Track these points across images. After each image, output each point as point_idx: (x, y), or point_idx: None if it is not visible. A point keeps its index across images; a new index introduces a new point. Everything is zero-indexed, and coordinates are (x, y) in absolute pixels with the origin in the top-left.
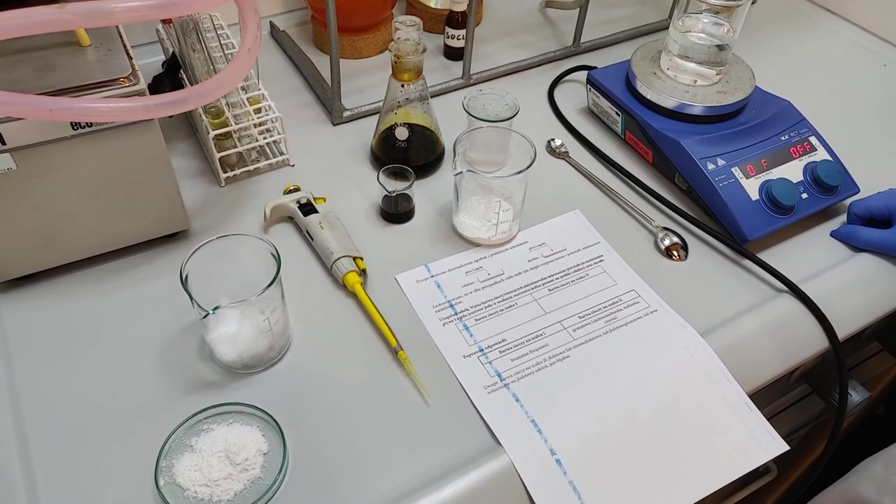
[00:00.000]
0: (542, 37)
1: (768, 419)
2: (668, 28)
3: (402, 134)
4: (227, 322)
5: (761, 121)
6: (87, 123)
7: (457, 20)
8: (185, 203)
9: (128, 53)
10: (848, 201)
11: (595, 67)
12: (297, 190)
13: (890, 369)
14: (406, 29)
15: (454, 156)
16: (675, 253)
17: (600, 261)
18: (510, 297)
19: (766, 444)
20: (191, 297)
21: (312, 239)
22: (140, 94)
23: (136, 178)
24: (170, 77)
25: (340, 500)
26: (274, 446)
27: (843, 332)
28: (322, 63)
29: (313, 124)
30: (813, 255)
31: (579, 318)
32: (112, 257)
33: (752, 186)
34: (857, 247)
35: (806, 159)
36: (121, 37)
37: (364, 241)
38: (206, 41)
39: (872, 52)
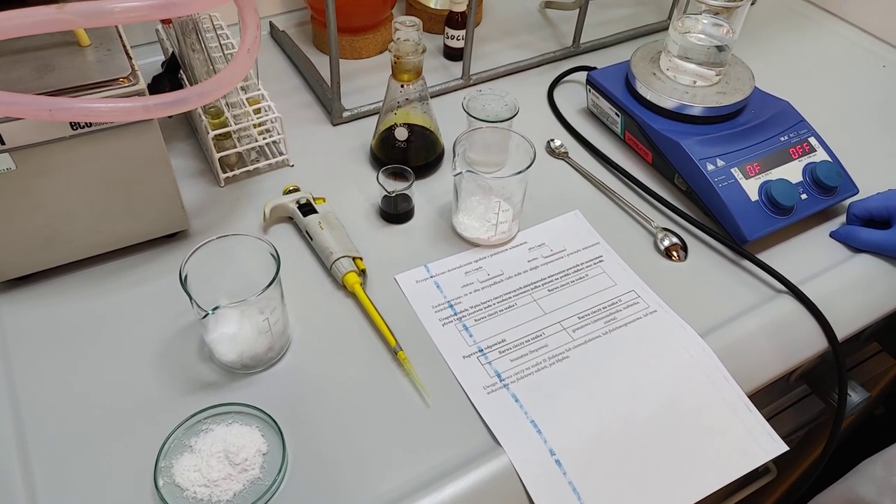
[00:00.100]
0: (541, 37)
1: (768, 419)
2: (667, 29)
3: (401, 134)
4: (226, 322)
5: (761, 121)
6: (86, 123)
7: (456, 20)
8: (184, 203)
9: (127, 53)
10: (847, 202)
11: (595, 68)
12: (296, 190)
13: (889, 370)
14: (406, 29)
15: (454, 156)
16: (674, 253)
17: (600, 261)
18: (510, 298)
19: (766, 444)
20: (190, 298)
21: (312, 239)
22: (139, 94)
23: (135, 178)
24: (169, 77)
25: (340, 500)
26: (273, 446)
27: (842, 333)
28: (322, 63)
29: (313, 124)
30: (812, 256)
31: (579, 318)
32: (112, 257)
33: (751, 187)
34: (856, 247)
35: (805, 160)
36: (120, 37)
37: (363, 242)
38: (206, 41)
39: (872, 52)
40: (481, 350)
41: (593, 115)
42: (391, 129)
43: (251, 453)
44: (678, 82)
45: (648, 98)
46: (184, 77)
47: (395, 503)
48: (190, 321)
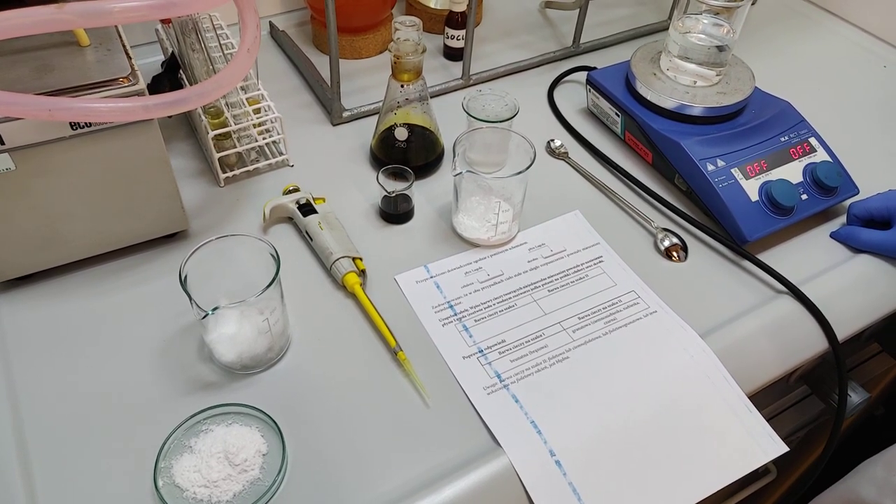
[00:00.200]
0: (541, 37)
1: (768, 420)
2: (667, 29)
3: (401, 134)
4: (226, 323)
5: (761, 122)
6: (86, 123)
7: (456, 20)
8: (184, 203)
9: (127, 53)
10: (847, 202)
11: (595, 68)
12: (296, 190)
13: (889, 370)
14: (406, 29)
15: (454, 156)
16: (674, 254)
17: (600, 262)
18: (510, 298)
19: (766, 445)
20: (190, 298)
21: (312, 239)
22: (139, 94)
23: (135, 178)
24: (169, 77)
25: (339, 500)
26: (273, 447)
27: (842, 334)
28: (321, 63)
29: (313, 125)
30: (812, 257)
31: (579, 318)
32: (111, 257)
33: (751, 187)
34: (856, 248)
35: (806, 160)
36: (120, 37)
37: (363, 242)
38: (206, 41)
39: (872, 53)
40: (481, 350)
41: (593, 115)
42: (391, 129)
43: (251, 454)
44: (678, 82)
45: (648, 98)
46: (183, 77)
47: (394, 503)
48: (190, 321)
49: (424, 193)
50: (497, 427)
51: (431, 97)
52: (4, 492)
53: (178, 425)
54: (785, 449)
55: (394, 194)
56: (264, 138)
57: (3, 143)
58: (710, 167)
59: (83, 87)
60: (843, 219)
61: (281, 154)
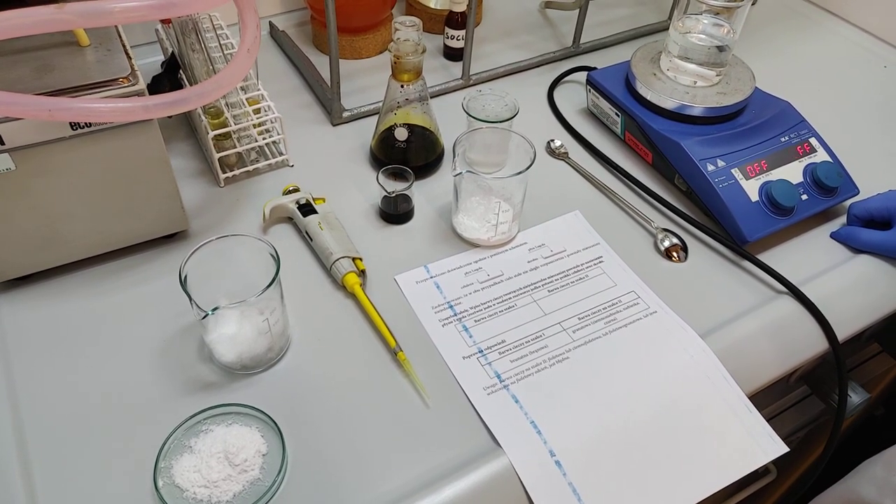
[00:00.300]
0: (541, 37)
1: (768, 420)
2: (667, 29)
3: (401, 134)
4: (226, 323)
5: (761, 122)
6: (86, 124)
7: (456, 20)
8: (184, 203)
9: (127, 53)
10: (848, 203)
11: (595, 68)
12: (296, 190)
13: (889, 371)
14: (406, 29)
15: (454, 156)
16: (674, 254)
17: (600, 262)
18: (510, 299)
19: (766, 445)
20: (190, 298)
21: (312, 240)
22: (139, 94)
23: (135, 178)
24: (169, 77)
25: (339, 501)
26: (273, 447)
27: (842, 334)
28: (321, 63)
29: (313, 125)
30: (812, 257)
31: (579, 319)
32: (111, 257)
33: (751, 188)
34: (856, 248)
35: (806, 160)
36: (120, 37)
37: (363, 242)
38: (206, 41)
39: (873, 53)
40: (481, 351)
41: (593, 115)
42: (391, 129)
43: (251, 454)
44: (678, 82)
45: (648, 98)
46: (183, 77)
47: (394, 503)
48: (190, 321)
49: (424, 193)
50: (497, 427)
51: (431, 97)
52: (4, 492)
53: (178, 425)
54: (785, 449)
55: (394, 194)
56: (264, 138)
57: (3, 143)
58: (710, 167)
59: (83, 88)
60: (843, 219)
61: (281, 154)
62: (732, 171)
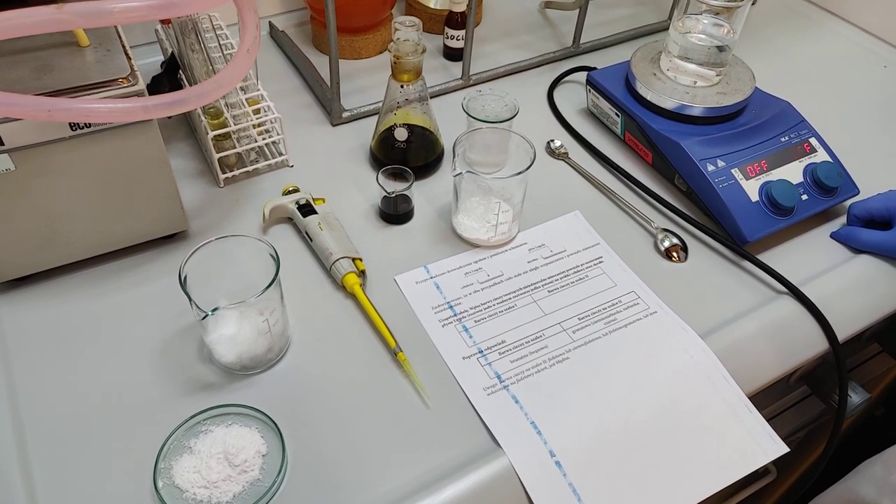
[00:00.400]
0: (541, 37)
1: (768, 421)
2: (667, 29)
3: (401, 135)
4: (226, 323)
5: (761, 122)
6: (85, 124)
7: (456, 21)
8: (184, 204)
9: (126, 54)
10: (848, 203)
11: (595, 68)
12: (296, 191)
13: (889, 371)
14: (405, 29)
15: (453, 157)
16: (674, 254)
17: (600, 262)
18: (509, 299)
19: (766, 445)
20: (190, 299)
21: (311, 240)
22: (139, 94)
23: (135, 178)
24: (169, 77)
25: (339, 501)
26: (273, 448)
27: (842, 334)
28: (321, 63)
29: (312, 125)
30: (813, 257)
31: (579, 319)
32: (111, 258)
33: (751, 188)
34: (856, 248)
35: (806, 160)
36: (119, 37)
37: (363, 243)
38: (205, 41)
39: (873, 53)
40: (481, 351)
41: (593, 115)
42: (391, 129)
43: (251, 454)
44: (678, 83)
45: (648, 98)
46: (183, 77)
47: None
48: (189, 322)
49: (424, 194)
50: (497, 427)
51: (431, 97)
52: (4, 492)
53: (177, 426)
54: (785, 449)
55: (393, 195)
56: (264, 139)
57: (2, 144)
58: (710, 167)
59: (83, 88)
60: (843, 219)
61: (280, 154)
62: (732, 171)
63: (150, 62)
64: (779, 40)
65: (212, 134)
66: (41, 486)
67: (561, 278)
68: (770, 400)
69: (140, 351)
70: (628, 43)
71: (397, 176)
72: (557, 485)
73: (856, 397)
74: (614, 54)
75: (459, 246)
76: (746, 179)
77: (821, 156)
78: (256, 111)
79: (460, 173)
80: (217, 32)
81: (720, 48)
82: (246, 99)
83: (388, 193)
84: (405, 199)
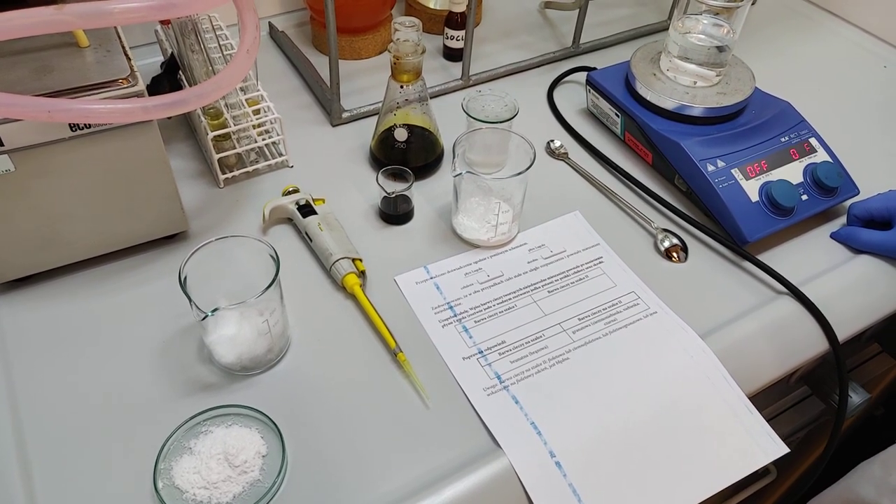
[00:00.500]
0: (541, 38)
1: (768, 421)
2: (667, 29)
3: (401, 135)
4: (225, 324)
5: (761, 122)
6: (85, 125)
7: (456, 21)
8: (183, 204)
9: (126, 54)
10: (848, 203)
11: (594, 68)
12: (296, 191)
13: (889, 371)
14: (405, 30)
15: (453, 157)
16: (674, 254)
17: (600, 262)
18: (509, 299)
19: (766, 446)
20: (189, 299)
21: (311, 240)
22: (138, 95)
23: (134, 179)
24: (168, 78)
25: (339, 502)
26: (273, 448)
27: (842, 334)
28: (321, 64)
29: (312, 125)
30: (813, 257)
31: (579, 319)
32: (111, 258)
33: (751, 188)
34: (856, 248)
35: (806, 161)
36: (119, 38)
37: (363, 243)
38: (205, 42)
39: (873, 53)
40: (481, 351)
41: (593, 115)
42: (391, 129)
43: (251, 455)
44: (678, 83)
45: (648, 98)
46: (183, 78)
47: None
48: (189, 322)
49: (424, 194)
50: (497, 428)
51: (431, 98)
52: (4, 492)
53: (177, 426)
54: (785, 450)
55: (393, 195)
56: (264, 139)
57: (2, 145)
58: (710, 168)
59: (82, 89)
60: (843, 219)
61: (280, 155)
62: (732, 171)
63: (149, 63)
64: (779, 40)
65: (212, 134)
66: (40, 487)
67: (561, 279)
68: (770, 400)
69: (140, 351)
70: (628, 43)
71: (397, 176)
72: (557, 485)
73: (856, 397)
74: (614, 54)
75: (459, 246)
76: (746, 179)
77: (821, 156)
78: (256, 112)
79: (460, 174)
80: (217, 33)
81: (720, 48)
82: (246, 99)
83: (388, 194)
84: (405, 200)
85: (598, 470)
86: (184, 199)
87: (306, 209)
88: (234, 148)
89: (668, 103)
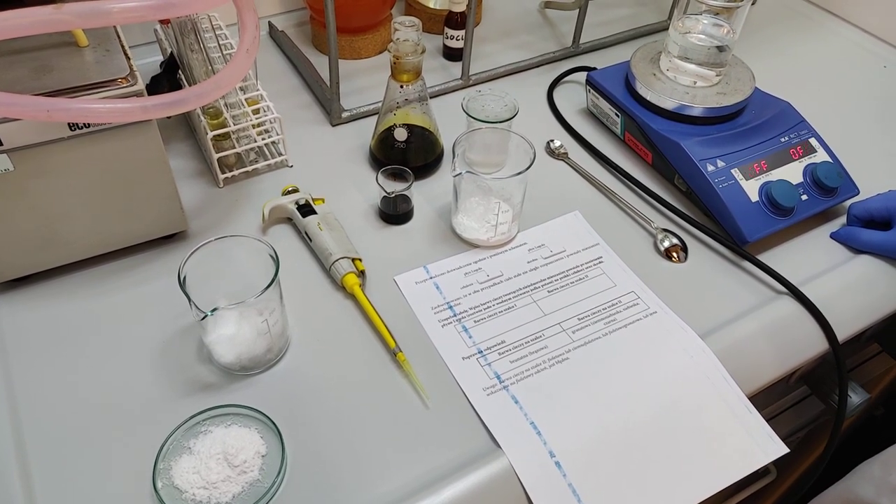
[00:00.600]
0: (541, 37)
1: (768, 421)
2: (667, 29)
3: (401, 135)
4: (225, 324)
5: (761, 122)
6: (84, 124)
7: (456, 21)
8: (183, 204)
9: (126, 54)
10: (848, 203)
11: (594, 68)
12: (295, 191)
13: (889, 371)
14: (405, 29)
15: (453, 157)
16: (674, 254)
17: (600, 262)
18: (509, 299)
19: (766, 446)
20: (189, 299)
21: (311, 240)
22: (138, 94)
23: (134, 178)
24: (168, 77)
25: (339, 502)
26: (272, 448)
27: (842, 334)
28: (321, 63)
29: (312, 125)
30: (812, 257)
31: (579, 319)
32: (110, 258)
33: (751, 188)
34: (856, 248)
35: (806, 161)
36: (119, 37)
37: (363, 243)
38: (205, 42)
39: (872, 53)
40: (481, 351)
41: (593, 115)
42: (390, 129)
43: (250, 455)
44: (678, 83)
45: (648, 98)
46: (182, 77)
47: None
48: (189, 322)
49: (424, 194)
50: (496, 428)
51: (431, 97)
52: (3, 493)
53: (177, 426)
54: (785, 450)
55: (393, 195)
56: (263, 139)
57: (1, 144)
58: (710, 167)
59: (82, 88)
60: (843, 219)
61: (280, 154)
62: (732, 171)
63: (149, 62)
64: (779, 40)
65: (211, 134)
66: (40, 487)
67: (561, 278)
68: (770, 400)
69: (139, 351)
70: (628, 43)
71: (397, 176)
72: (557, 485)
73: (856, 397)
74: (614, 54)
75: (459, 246)
76: (746, 179)
77: (821, 156)
78: (256, 111)
79: (460, 173)
80: (216, 32)
81: (720, 48)
82: (245, 99)
83: (388, 193)
84: (405, 200)
85: (598, 470)
86: (183, 198)
87: (306, 209)
88: (234, 147)
89: (668, 103)
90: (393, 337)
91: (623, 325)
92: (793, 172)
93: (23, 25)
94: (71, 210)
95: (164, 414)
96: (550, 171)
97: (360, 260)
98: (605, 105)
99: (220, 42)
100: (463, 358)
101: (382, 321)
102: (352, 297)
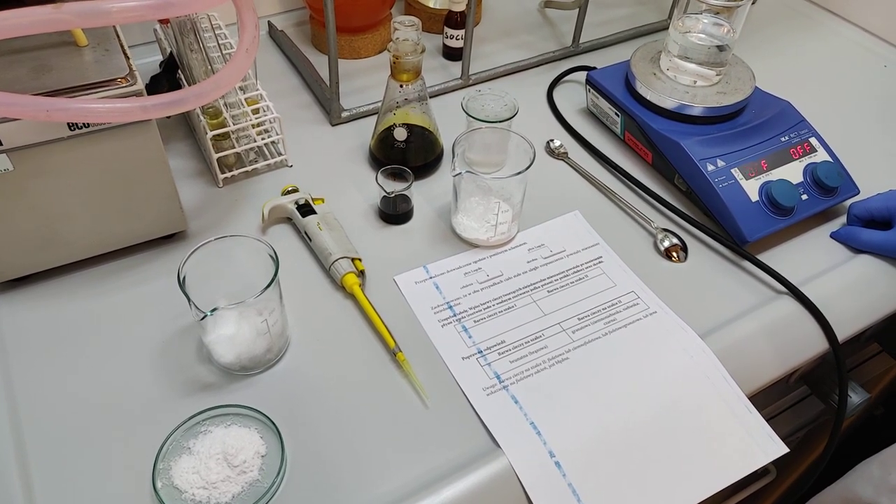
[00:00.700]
0: (541, 37)
1: (768, 421)
2: (667, 28)
3: (400, 135)
4: (225, 324)
5: (761, 122)
6: (84, 124)
7: (456, 20)
8: (182, 204)
9: (125, 53)
10: (848, 202)
11: (594, 68)
12: (295, 191)
13: (889, 371)
14: (405, 29)
15: (453, 157)
16: (674, 254)
17: (599, 262)
18: (509, 299)
19: (766, 446)
20: (188, 299)
21: (311, 240)
22: (137, 94)
23: (133, 178)
24: (167, 77)
25: (338, 502)
26: (272, 448)
27: (842, 334)
28: (320, 63)
29: (312, 125)
30: (813, 257)
31: (578, 319)
32: (110, 258)
33: (751, 188)
34: (856, 248)
35: (806, 160)
36: (118, 37)
37: (362, 243)
38: (204, 41)
39: (873, 52)
40: (480, 351)
41: (593, 115)
42: (390, 129)
43: (250, 455)
44: (678, 82)
45: (648, 98)
46: (182, 77)
47: None
48: (188, 322)
49: (423, 194)
50: (496, 428)
51: (430, 97)
52: (3, 493)
53: (176, 426)
54: (785, 450)
55: (393, 195)
56: (263, 139)
57: (1, 144)
58: (710, 167)
59: (81, 88)
60: (843, 219)
61: (280, 154)
62: (732, 171)
63: (148, 62)
64: (779, 40)
65: (211, 134)
66: (39, 487)
67: (560, 278)
68: (770, 400)
69: (139, 351)
70: (628, 42)
71: (397, 176)
72: (557, 485)
73: (856, 397)
74: (614, 54)
75: (459, 246)
76: (746, 179)
77: (821, 155)
78: (255, 111)
79: (460, 173)
80: (216, 32)
81: (720, 48)
82: (245, 99)
83: (388, 193)
84: (404, 199)
85: (598, 470)
86: (183, 198)
87: (305, 209)
88: (234, 147)
89: (668, 103)
90: (393, 337)
91: (623, 324)
92: (793, 172)
93: (22, 25)
94: (71, 210)
95: (163, 414)
96: (550, 170)
97: (360, 260)
98: (605, 105)
99: (220, 42)
100: (463, 358)
101: (382, 321)
102: (351, 296)
